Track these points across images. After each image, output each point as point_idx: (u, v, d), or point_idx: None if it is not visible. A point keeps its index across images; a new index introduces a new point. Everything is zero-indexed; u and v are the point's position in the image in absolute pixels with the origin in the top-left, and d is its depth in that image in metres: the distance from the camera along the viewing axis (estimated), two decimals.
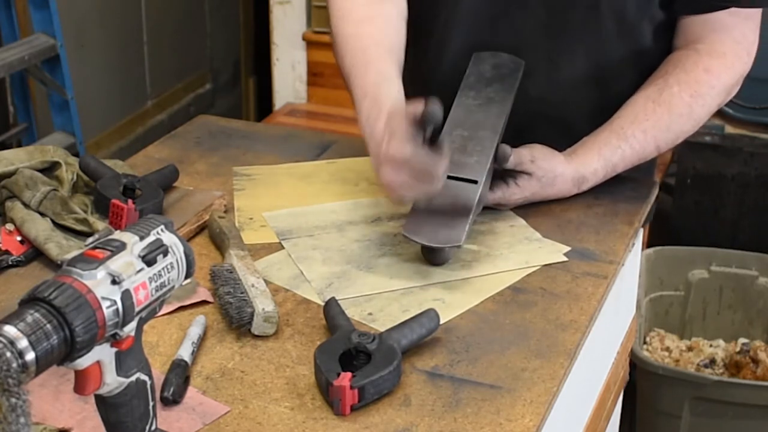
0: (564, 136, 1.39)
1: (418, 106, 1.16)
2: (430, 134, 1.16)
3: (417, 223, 1.22)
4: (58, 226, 1.22)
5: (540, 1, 1.40)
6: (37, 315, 0.73)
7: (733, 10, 1.37)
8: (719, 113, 2.71)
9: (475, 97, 1.36)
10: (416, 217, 1.23)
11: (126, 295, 0.78)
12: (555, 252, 1.26)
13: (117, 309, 0.78)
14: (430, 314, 1.07)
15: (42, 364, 0.73)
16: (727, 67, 1.39)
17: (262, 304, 1.09)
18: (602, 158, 1.36)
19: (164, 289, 0.83)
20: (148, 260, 0.81)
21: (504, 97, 1.36)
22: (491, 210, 1.35)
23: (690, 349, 2.54)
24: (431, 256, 1.22)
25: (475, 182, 1.25)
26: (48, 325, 0.73)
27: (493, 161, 1.29)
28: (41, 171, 1.29)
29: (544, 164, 1.33)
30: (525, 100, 1.40)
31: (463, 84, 1.39)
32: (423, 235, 1.20)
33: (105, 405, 0.84)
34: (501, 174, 1.33)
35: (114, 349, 0.81)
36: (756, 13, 1.40)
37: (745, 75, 1.42)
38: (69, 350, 0.75)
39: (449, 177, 1.24)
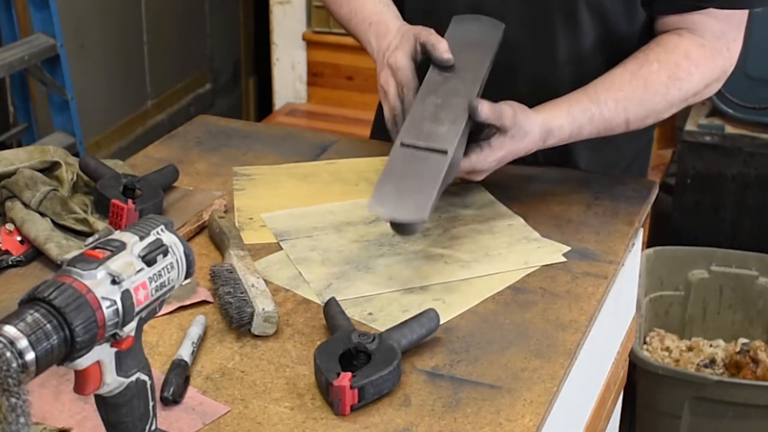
0: None
1: (427, 31, 1.32)
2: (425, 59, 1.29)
3: (383, 194, 1.18)
4: (58, 226, 1.22)
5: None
6: (37, 315, 0.73)
7: (710, 10, 1.37)
8: (719, 113, 2.72)
9: (453, 60, 1.32)
10: (382, 187, 1.19)
11: (126, 295, 0.78)
12: (554, 252, 1.26)
13: (117, 309, 0.78)
14: (430, 314, 1.07)
15: (42, 364, 0.73)
16: (707, 57, 1.38)
17: (262, 304, 1.09)
18: (570, 115, 1.33)
19: (164, 289, 0.83)
20: (148, 260, 0.81)
21: (481, 61, 1.32)
22: (488, 209, 1.35)
23: (690, 349, 2.54)
24: (396, 228, 1.19)
25: (445, 152, 1.21)
26: (48, 325, 0.73)
27: (466, 127, 1.25)
28: (41, 171, 1.29)
29: (519, 119, 1.29)
30: (511, 94, 1.38)
31: None
32: (388, 207, 1.17)
33: (105, 405, 0.84)
34: (474, 139, 1.29)
35: (114, 349, 0.81)
36: (734, 14, 1.39)
37: (728, 73, 1.41)
38: (69, 350, 0.75)
39: (418, 148, 1.22)
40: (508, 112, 1.27)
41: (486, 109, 1.25)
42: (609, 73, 1.37)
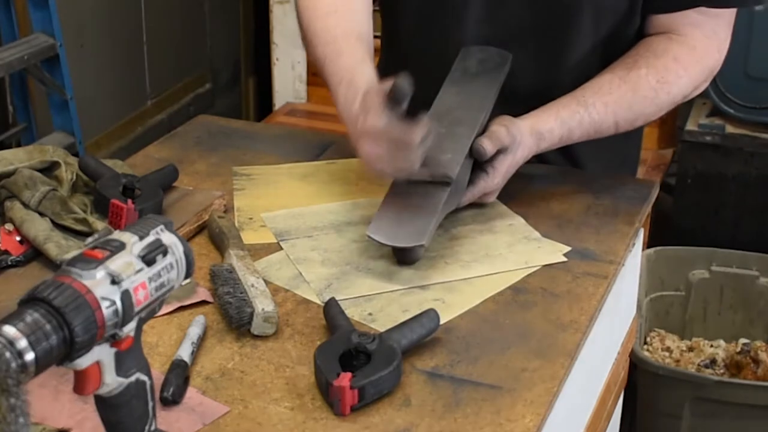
0: None
1: (390, 83, 1.18)
2: (405, 107, 1.18)
3: (382, 222, 1.20)
4: (57, 226, 1.22)
5: (522, 2, 1.40)
6: (36, 315, 0.73)
7: (701, 8, 1.37)
8: (720, 113, 2.72)
9: (458, 92, 1.35)
10: (382, 216, 1.22)
11: (125, 295, 0.78)
12: (555, 252, 1.26)
13: (116, 309, 0.77)
14: (430, 314, 1.07)
15: (41, 365, 0.73)
16: (696, 60, 1.39)
17: (262, 304, 1.09)
18: (559, 119, 1.35)
19: (164, 289, 0.83)
20: (148, 260, 0.81)
21: (487, 92, 1.35)
22: (488, 209, 1.34)
23: (690, 349, 2.53)
24: (398, 255, 1.21)
25: (447, 183, 1.23)
26: (47, 326, 0.73)
27: (469, 157, 1.27)
28: (40, 171, 1.29)
29: (512, 131, 1.31)
30: (514, 100, 1.39)
31: (448, 79, 1.38)
32: (386, 234, 1.19)
33: (104, 405, 0.84)
34: (478, 165, 1.31)
35: (113, 349, 0.81)
36: (725, 12, 1.40)
37: (716, 72, 1.43)
38: (68, 350, 0.75)
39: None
40: (502, 132, 1.29)
41: (489, 147, 1.27)
42: (597, 77, 1.39)
